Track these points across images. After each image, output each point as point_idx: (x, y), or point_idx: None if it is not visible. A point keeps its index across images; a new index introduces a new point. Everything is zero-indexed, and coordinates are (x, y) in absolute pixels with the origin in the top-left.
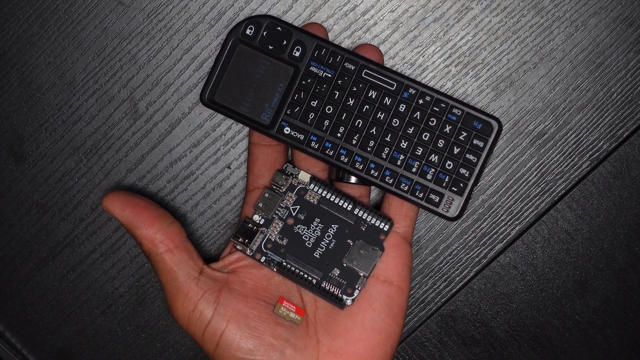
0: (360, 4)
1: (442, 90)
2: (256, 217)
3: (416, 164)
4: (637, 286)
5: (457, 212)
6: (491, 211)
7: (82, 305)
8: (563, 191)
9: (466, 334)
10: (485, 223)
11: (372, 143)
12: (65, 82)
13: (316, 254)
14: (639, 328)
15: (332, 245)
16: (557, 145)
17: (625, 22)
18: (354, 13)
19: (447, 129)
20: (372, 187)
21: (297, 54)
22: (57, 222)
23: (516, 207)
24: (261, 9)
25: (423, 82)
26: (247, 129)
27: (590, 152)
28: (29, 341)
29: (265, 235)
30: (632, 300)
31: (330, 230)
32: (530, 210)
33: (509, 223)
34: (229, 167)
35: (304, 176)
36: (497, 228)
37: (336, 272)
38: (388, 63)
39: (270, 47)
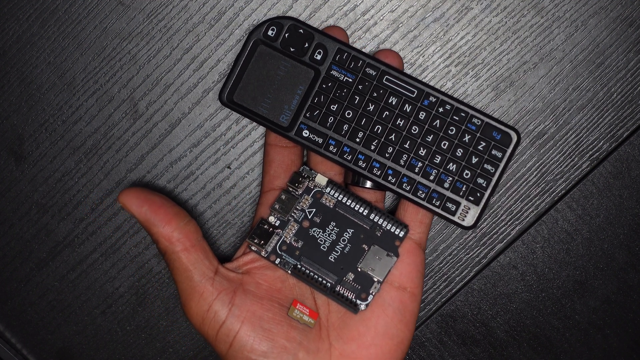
0: (360, 3)
1: (442, 90)
2: (272, 219)
3: (434, 171)
4: (637, 286)
5: (473, 222)
6: (491, 211)
7: (82, 305)
8: (563, 191)
9: (466, 334)
10: (485, 223)
11: (390, 149)
12: (65, 82)
13: (331, 257)
14: (639, 328)
15: (347, 249)
16: (557, 145)
17: (625, 22)
18: (354, 13)
19: (466, 138)
20: (387, 192)
21: (319, 57)
22: (57, 222)
23: (516, 207)
24: (261, 9)
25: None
26: (247, 129)
27: (590, 152)
28: (29, 341)
29: (281, 237)
30: (632, 300)
31: (346, 235)
32: (530, 210)
33: (509, 223)
34: (229, 167)
35: (321, 179)
36: (497, 228)
37: (351, 276)
38: None
39: (292, 49)
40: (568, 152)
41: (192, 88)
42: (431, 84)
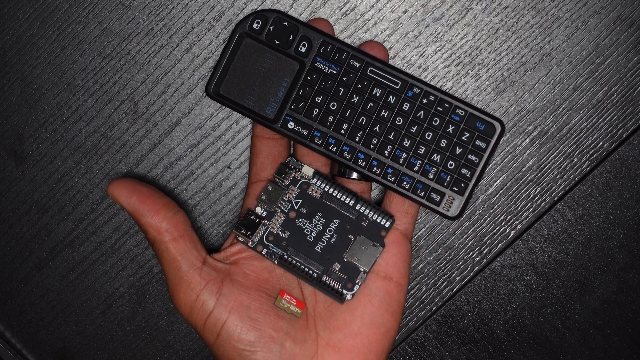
0: (360, 4)
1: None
2: (259, 210)
3: (418, 162)
4: (637, 286)
5: (458, 212)
6: (491, 211)
7: (82, 305)
8: (563, 191)
9: (466, 334)
10: (485, 223)
11: (375, 140)
12: (65, 82)
13: (317, 248)
14: (639, 328)
15: (333, 239)
16: (557, 145)
17: (625, 22)
18: (354, 13)
19: (450, 129)
20: (374, 183)
21: (303, 49)
22: (57, 222)
23: (516, 207)
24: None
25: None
26: (247, 129)
27: (590, 152)
28: (29, 341)
29: (267, 227)
30: (632, 300)
31: (332, 225)
32: (530, 210)
33: (509, 223)
34: (229, 167)
35: (308, 170)
36: (497, 228)
37: (337, 266)
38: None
39: (277, 42)
40: (568, 152)
41: (192, 88)
42: (431, 84)
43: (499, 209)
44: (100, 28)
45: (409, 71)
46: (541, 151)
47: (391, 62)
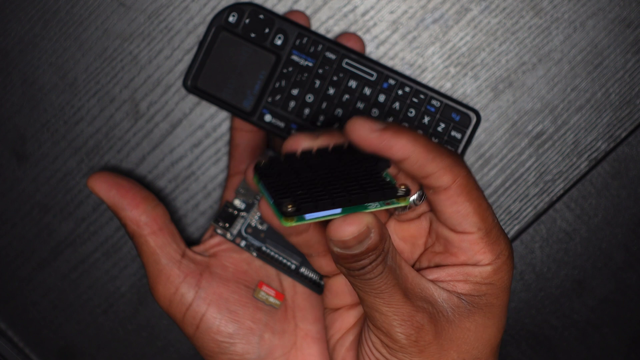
0: (360, 5)
1: (441, 90)
2: (237, 202)
3: None
4: (635, 285)
5: None
6: None
7: (84, 304)
8: (561, 191)
9: None
10: None
11: None
12: (67, 82)
13: None
14: (637, 326)
15: None
16: (556, 145)
17: (623, 24)
18: (353, 14)
19: (426, 120)
20: None
21: (279, 42)
22: (58, 222)
23: (515, 207)
24: None
25: (422, 82)
26: None
27: (589, 153)
28: (31, 340)
29: (246, 220)
30: (629, 299)
31: None
32: (529, 210)
33: (507, 223)
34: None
35: None
36: None
37: None
38: (388, 64)
39: (253, 35)
40: (566, 152)
41: None
42: (430, 84)
43: (497, 208)
44: (101, 29)
45: (409, 72)
46: (540, 151)
47: (391, 62)
